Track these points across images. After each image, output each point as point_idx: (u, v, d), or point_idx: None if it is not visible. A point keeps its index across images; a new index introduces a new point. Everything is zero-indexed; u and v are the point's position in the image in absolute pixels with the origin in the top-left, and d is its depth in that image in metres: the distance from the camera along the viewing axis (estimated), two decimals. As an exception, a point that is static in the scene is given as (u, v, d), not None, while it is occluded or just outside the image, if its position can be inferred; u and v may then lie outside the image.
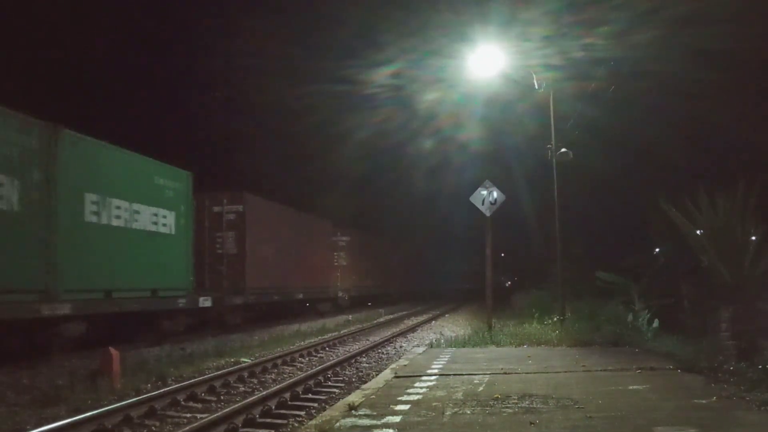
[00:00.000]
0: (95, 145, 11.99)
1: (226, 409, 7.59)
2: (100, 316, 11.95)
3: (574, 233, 20.64)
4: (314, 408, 8.20)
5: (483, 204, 14.59)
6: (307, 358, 13.36)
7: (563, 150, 15.25)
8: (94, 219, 11.76)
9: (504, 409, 6.22)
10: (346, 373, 11.27)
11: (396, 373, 8.88)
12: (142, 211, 13.16)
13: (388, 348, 15.31)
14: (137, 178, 13.14)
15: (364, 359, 13.13)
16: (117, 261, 12.33)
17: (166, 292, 13.85)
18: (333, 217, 28.07)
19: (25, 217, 10.09)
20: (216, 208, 18.00)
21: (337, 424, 5.78)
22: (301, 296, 22.67)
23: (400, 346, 15.56)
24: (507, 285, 55.98)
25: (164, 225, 13.98)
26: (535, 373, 8.51)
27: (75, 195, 11.34)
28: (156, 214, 13.72)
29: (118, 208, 12.29)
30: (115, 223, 12.27)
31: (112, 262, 12.20)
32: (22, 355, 10.44)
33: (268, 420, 7.54)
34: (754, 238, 9.79)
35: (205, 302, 15.40)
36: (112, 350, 9.53)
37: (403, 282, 42.38)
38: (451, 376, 8.36)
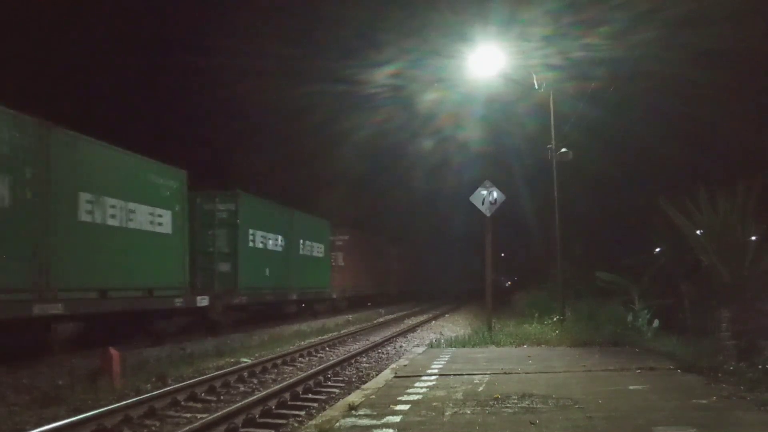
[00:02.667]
0: (292, 212, 21.93)
1: (226, 409, 7.59)
2: (305, 300, 23.12)
3: (574, 233, 20.63)
4: (314, 408, 8.20)
5: (483, 204, 14.58)
6: (307, 358, 13.37)
7: (563, 150, 15.24)
8: (304, 252, 22.75)
9: (504, 409, 6.22)
10: (346, 373, 11.27)
11: (396, 373, 8.88)
12: (316, 246, 24.04)
13: (388, 348, 15.31)
14: (315, 229, 24.21)
15: (364, 359, 13.13)
16: (308, 272, 23.13)
17: (321, 289, 24.80)
18: (335, 218, 28.85)
19: (285, 255, 20.78)
20: (330, 237, 27.19)
21: (337, 424, 5.78)
22: (373, 292, 34.45)
23: (400, 346, 15.56)
24: (507, 285, 55.93)
25: (321, 252, 24.72)
26: (535, 373, 8.51)
27: (296, 242, 21.88)
28: (312, 246, 23.81)
29: (309, 246, 23.19)
30: (303, 252, 22.84)
31: (307, 273, 23.00)
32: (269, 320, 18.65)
33: (268, 420, 7.54)
34: (754, 238, 9.79)
35: (333, 295, 26.36)
36: (112, 350, 9.53)
37: (421, 282, 50.47)
38: (451, 376, 8.36)
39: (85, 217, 11.27)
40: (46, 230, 10.40)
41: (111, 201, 11.90)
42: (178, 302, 13.86)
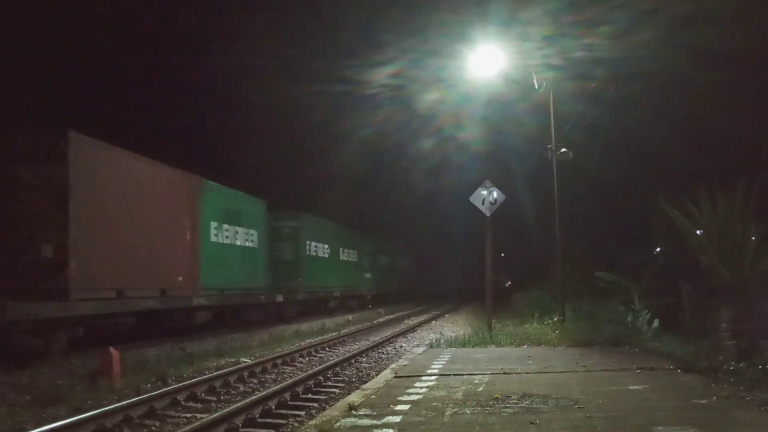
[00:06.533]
0: (394, 240, 42.05)
1: (226, 409, 7.59)
2: (398, 292, 39.70)
3: (574, 233, 20.63)
4: (314, 408, 8.20)
5: (483, 204, 14.58)
6: (307, 358, 13.37)
7: (563, 150, 15.24)
8: (396, 264, 40.86)
9: (504, 409, 6.22)
10: (346, 373, 11.27)
11: (396, 373, 8.88)
12: (402, 259, 42.71)
13: (388, 348, 15.31)
14: (401, 248, 42.65)
15: (364, 359, 13.13)
16: (399, 277, 40.88)
17: (401, 286, 40.01)
18: (334, 217, 28.86)
19: (390, 266, 39.70)
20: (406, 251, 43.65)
21: (337, 424, 5.79)
22: (423, 288, 47.73)
23: (400, 346, 15.56)
24: (507, 285, 55.87)
25: (402, 263, 42.33)
26: (535, 373, 8.52)
27: (394, 258, 40.27)
28: (401, 259, 41.82)
29: (400, 260, 41.95)
30: (396, 265, 40.65)
31: (399, 277, 40.90)
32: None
33: (269, 420, 7.54)
34: (754, 238, 9.79)
35: (405, 289, 40.91)
36: (112, 350, 9.54)
37: (435, 282, 57.34)
38: (451, 376, 8.36)
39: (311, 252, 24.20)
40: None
41: (314, 243, 24.39)
42: (366, 293, 31.45)
